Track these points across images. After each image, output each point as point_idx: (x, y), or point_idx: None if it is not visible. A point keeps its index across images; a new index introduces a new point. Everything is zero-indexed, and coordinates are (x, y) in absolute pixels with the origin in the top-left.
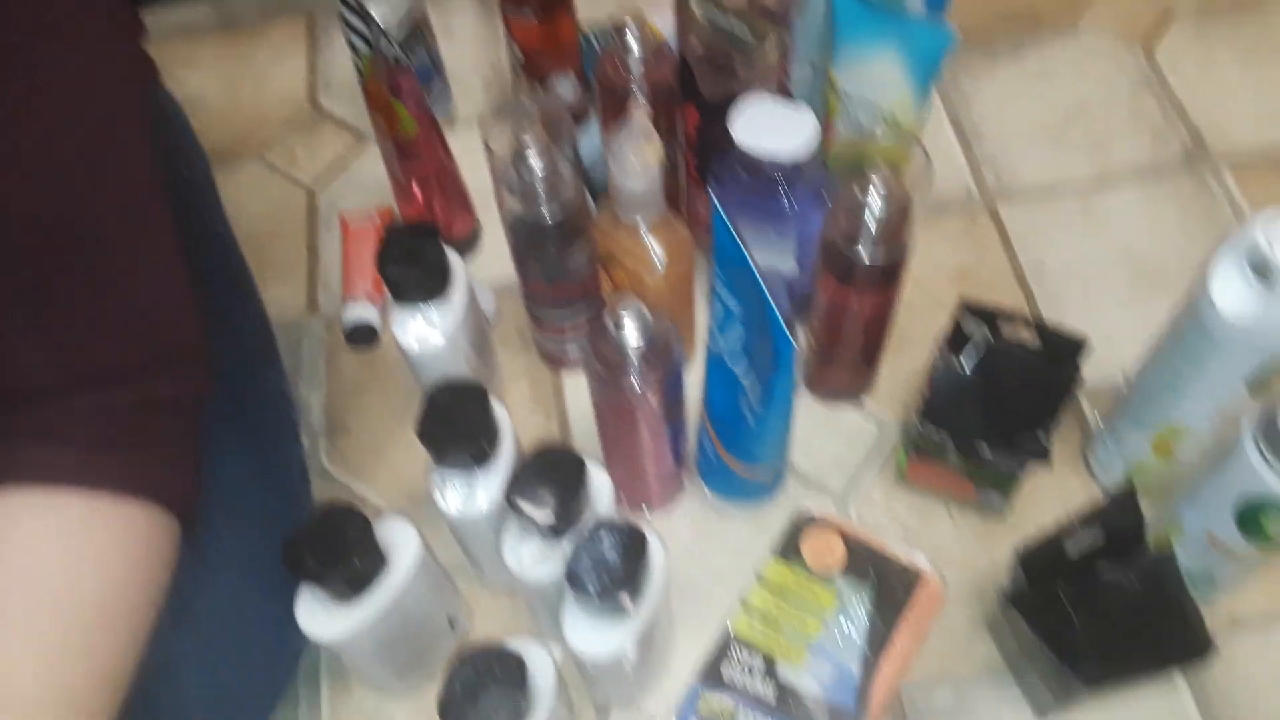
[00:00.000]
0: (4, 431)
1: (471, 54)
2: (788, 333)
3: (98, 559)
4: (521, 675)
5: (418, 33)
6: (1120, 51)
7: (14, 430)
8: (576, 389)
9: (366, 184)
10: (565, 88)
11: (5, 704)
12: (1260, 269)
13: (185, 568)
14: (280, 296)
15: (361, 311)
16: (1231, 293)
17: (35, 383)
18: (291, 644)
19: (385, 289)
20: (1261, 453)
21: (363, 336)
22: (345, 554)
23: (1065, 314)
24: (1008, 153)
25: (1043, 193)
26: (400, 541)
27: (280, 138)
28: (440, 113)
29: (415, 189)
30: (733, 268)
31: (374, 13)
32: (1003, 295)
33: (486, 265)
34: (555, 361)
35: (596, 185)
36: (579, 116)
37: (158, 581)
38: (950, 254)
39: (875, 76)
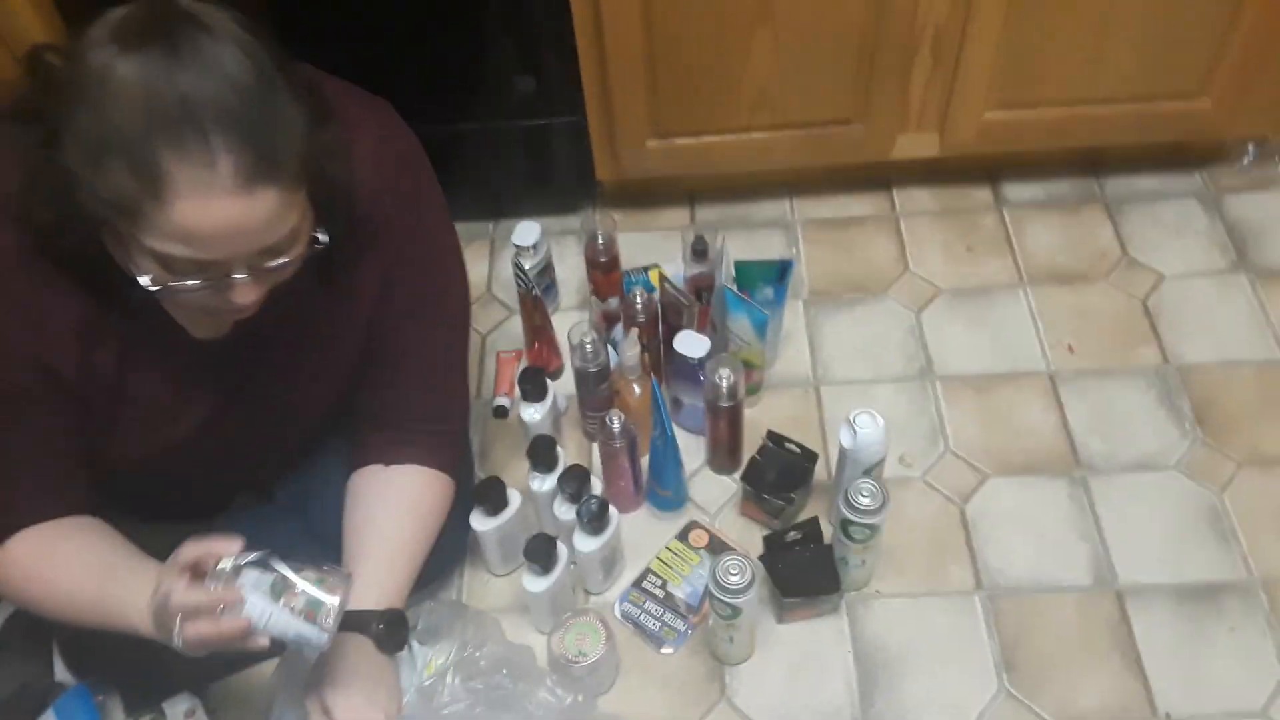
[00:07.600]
0: (380, 438)
1: (567, 271)
2: (677, 444)
3: (436, 497)
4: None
5: (548, 269)
6: (904, 311)
7: (383, 438)
8: (597, 447)
9: (510, 336)
10: (611, 303)
11: (374, 554)
12: (851, 426)
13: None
14: None
15: (502, 400)
16: (847, 438)
17: (401, 417)
18: (464, 534)
19: (517, 391)
20: (847, 501)
21: (501, 413)
22: (495, 497)
23: (831, 441)
24: (834, 358)
25: (844, 381)
26: (514, 496)
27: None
28: (550, 304)
29: (535, 344)
30: (662, 414)
31: (530, 272)
32: (811, 429)
33: (564, 384)
34: (589, 435)
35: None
36: (613, 323)
37: (443, 515)
38: (789, 407)
39: (742, 326)
